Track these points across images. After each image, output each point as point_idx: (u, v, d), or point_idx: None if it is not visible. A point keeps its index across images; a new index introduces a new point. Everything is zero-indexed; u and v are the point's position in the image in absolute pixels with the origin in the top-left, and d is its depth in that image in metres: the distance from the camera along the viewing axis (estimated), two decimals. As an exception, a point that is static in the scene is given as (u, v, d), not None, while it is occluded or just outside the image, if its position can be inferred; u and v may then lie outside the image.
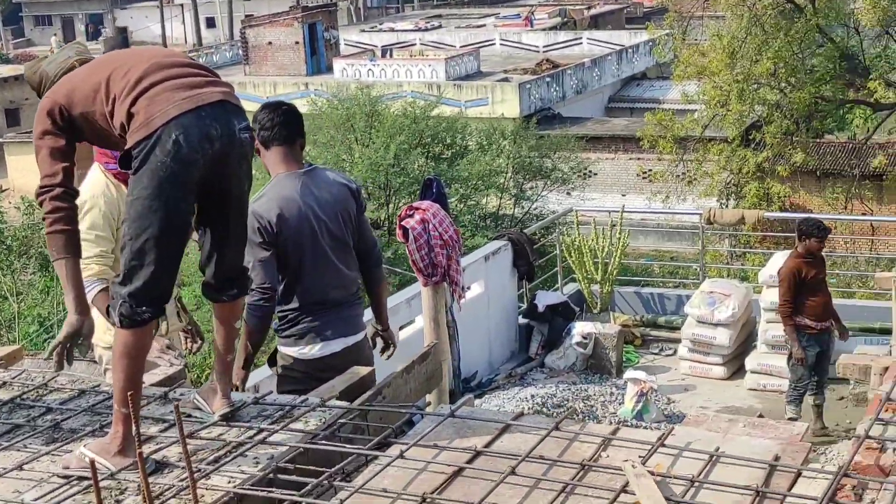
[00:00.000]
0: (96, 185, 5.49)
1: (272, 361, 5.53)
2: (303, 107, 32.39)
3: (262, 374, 7.53)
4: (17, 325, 28.62)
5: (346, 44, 47.45)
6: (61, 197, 4.15)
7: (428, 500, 3.72)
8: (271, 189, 5.32)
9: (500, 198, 29.11)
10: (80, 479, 4.04)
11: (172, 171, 3.97)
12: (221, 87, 4.19)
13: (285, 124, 5.36)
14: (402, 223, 5.92)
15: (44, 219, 4.18)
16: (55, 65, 4.60)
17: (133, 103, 4.03)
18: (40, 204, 4.22)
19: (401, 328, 10.04)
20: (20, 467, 4.17)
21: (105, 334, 5.82)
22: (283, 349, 5.43)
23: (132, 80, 4.07)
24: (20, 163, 43.75)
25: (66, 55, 4.64)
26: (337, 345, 5.38)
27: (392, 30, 52.04)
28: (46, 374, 5.15)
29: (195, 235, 4.36)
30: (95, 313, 5.50)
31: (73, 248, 4.18)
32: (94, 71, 4.24)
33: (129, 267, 4.07)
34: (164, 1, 69.14)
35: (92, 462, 3.14)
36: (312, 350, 5.36)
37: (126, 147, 4.05)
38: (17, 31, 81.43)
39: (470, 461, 3.98)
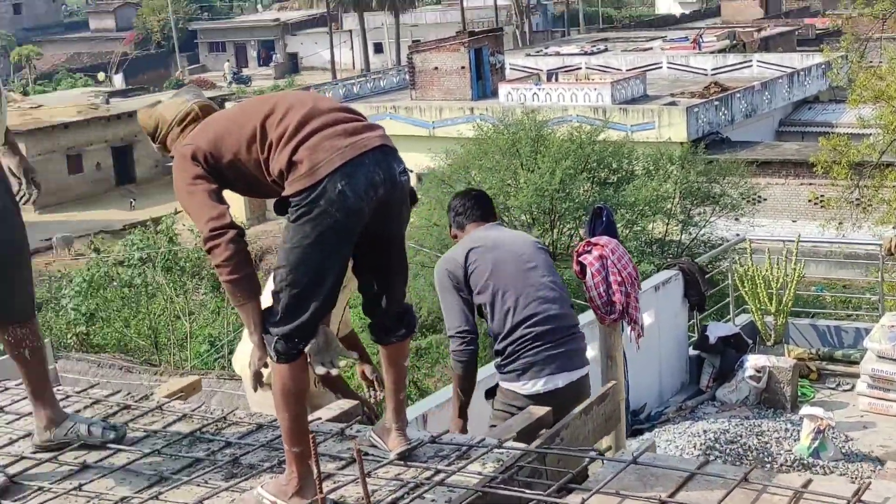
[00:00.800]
0: None
1: (490, 394, 5.52)
2: (468, 131, 32.63)
3: (429, 405, 7.50)
4: (189, 344, 29.39)
5: (511, 68, 47.54)
6: (236, 239, 4.08)
7: (611, 552, 3.60)
8: (462, 241, 5.44)
9: (667, 224, 28.69)
10: (259, 518, 4.04)
11: (337, 221, 3.95)
12: (378, 132, 4.15)
13: (477, 206, 5.64)
14: (579, 259, 5.83)
15: (220, 265, 4.05)
16: (172, 108, 4.53)
17: (294, 151, 3.99)
18: (210, 250, 4.07)
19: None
20: (201, 502, 4.19)
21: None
22: (504, 384, 5.45)
23: (290, 127, 4.05)
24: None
25: (184, 98, 4.56)
26: (560, 380, 5.34)
27: (558, 54, 51.96)
28: (225, 408, 5.18)
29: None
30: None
31: (256, 289, 4.15)
32: (241, 118, 4.20)
33: (286, 311, 4.04)
34: (333, 27, 70.44)
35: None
36: (535, 385, 5.33)
37: (285, 194, 4.03)
38: (192, 58, 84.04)
39: (654, 512, 3.84)
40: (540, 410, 4.92)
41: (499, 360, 5.47)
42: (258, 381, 4.17)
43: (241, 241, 4.08)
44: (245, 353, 5.87)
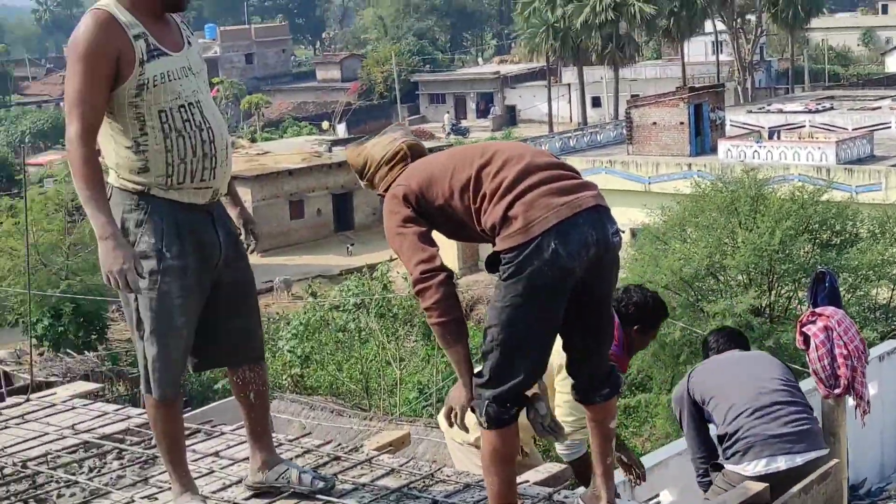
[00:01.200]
0: None
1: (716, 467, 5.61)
2: (685, 188, 32.16)
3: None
4: (398, 391, 29.74)
5: (731, 124, 46.74)
6: (446, 282, 4.09)
7: None
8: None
9: (893, 289, 27.56)
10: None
11: (550, 279, 3.91)
12: (592, 191, 4.10)
13: (730, 342, 5.91)
14: (803, 329, 5.62)
15: (430, 307, 4.06)
16: (380, 147, 4.54)
17: (510, 206, 3.96)
18: (420, 292, 4.09)
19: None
20: (405, 562, 4.16)
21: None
22: (727, 466, 5.42)
23: (507, 181, 4.01)
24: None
25: (392, 137, 4.57)
26: (783, 461, 5.28)
27: (780, 111, 50.82)
28: (433, 462, 5.16)
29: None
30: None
31: (464, 333, 4.15)
32: (456, 164, 4.19)
33: (497, 372, 4.01)
34: (551, 80, 70.79)
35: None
36: (756, 466, 5.28)
37: (497, 249, 3.99)
38: (413, 109, 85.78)
39: None
40: (756, 486, 4.73)
41: (723, 445, 5.49)
42: (461, 422, 4.16)
43: (451, 285, 4.09)
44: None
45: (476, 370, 4.14)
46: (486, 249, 4.07)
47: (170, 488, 4.95)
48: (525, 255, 3.91)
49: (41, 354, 34.67)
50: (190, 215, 4.55)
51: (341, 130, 75.06)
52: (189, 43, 4.61)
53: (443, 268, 4.10)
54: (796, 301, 26.35)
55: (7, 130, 76.73)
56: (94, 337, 35.51)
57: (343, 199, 53.71)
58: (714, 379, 5.68)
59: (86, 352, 32.10)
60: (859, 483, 10.78)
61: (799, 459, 5.29)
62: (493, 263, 4.02)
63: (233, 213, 4.92)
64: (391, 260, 41.14)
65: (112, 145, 4.52)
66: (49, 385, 24.30)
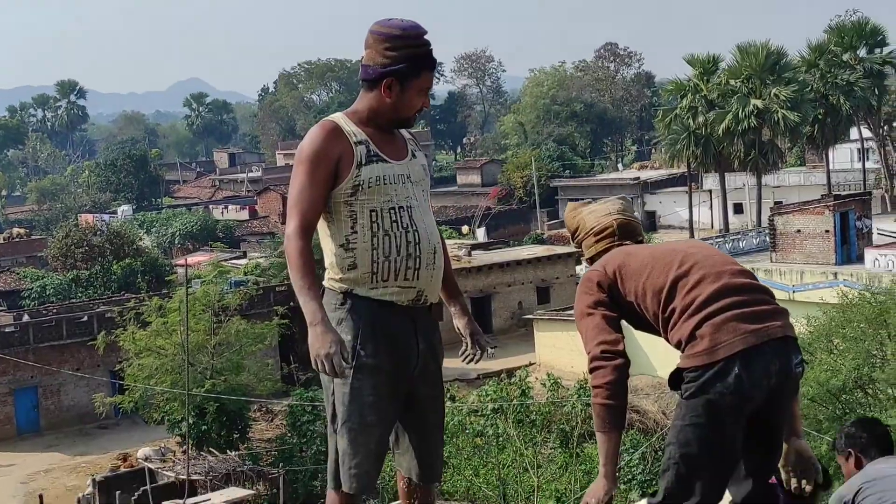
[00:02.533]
0: None
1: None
2: (831, 297, 31.55)
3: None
4: (536, 498, 29.44)
5: (878, 233, 45.83)
6: (622, 368, 4.15)
7: None
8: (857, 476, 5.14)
9: None
10: None
11: (729, 405, 3.94)
12: (782, 320, 4.11)
13: (876, 444, 5.34)
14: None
15: (600, 386, 4.12)
16: (594, 217, 4.62)
17: (698, 326, 3.99)
18: (594, 370, 4.16)
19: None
20: None
21: None
22: None
23: (700, 299, 4.04)
24: (548, 339, 45.57)
25: (608, 210, 4.62)
26: None
27: (930, 219, 49.71)
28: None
29: None
30: None
31: (622, 422, 4.19)
32: (654, 266, 4.23)
33: (671, 490, 4.03)
34: (692, 187, 70.43)
35: None
36: None
37: (680, 365, 4.02)
38: (552, 213, 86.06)
39: None
40: None
41: None
42: None
43: (626, 372, 4.16)
44: None
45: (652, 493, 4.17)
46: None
47: None
48: (708, 377, 3.94)
49: (184, 452, 35.37)
50: (389, 317, 4.68)
51: (481, 235, 75.70)
52: (413, 155, 4.81)
53: (623, 354, 4.15)
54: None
55: (158, 232, 79.11)
56: (236, 436, 36.05)
57: (482, 302, 53.93)
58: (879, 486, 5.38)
59: (228, 451, 32.61)
60: None
61: None
62: (675, 380, 4.05)
63: (460, 322, 5.05)
64: (529, 365, 41.05)
65: (328, 245, 4.73)
66: (192, 483, 24.71)
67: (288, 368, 42.42)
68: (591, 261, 4.56)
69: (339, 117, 4.69)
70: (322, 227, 4.75)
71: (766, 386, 3.98)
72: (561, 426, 31.32)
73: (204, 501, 5.56)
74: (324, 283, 4.76)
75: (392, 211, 4.67)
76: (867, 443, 5.40)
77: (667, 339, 4.18)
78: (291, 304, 38.90)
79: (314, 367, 4.46)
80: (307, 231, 4.62)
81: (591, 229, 4.59)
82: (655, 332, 4.24)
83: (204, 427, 34.50)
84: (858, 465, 5.37)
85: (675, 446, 4.02)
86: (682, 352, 4.04)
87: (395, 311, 4.69)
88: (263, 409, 42.09)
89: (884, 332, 26.30)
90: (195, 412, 33.93)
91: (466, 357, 5.07)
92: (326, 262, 4.77)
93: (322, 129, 4.62)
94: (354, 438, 4.66)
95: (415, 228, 4.72)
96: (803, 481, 4.49)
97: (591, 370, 4.18)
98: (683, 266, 4.18)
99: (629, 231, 4.56)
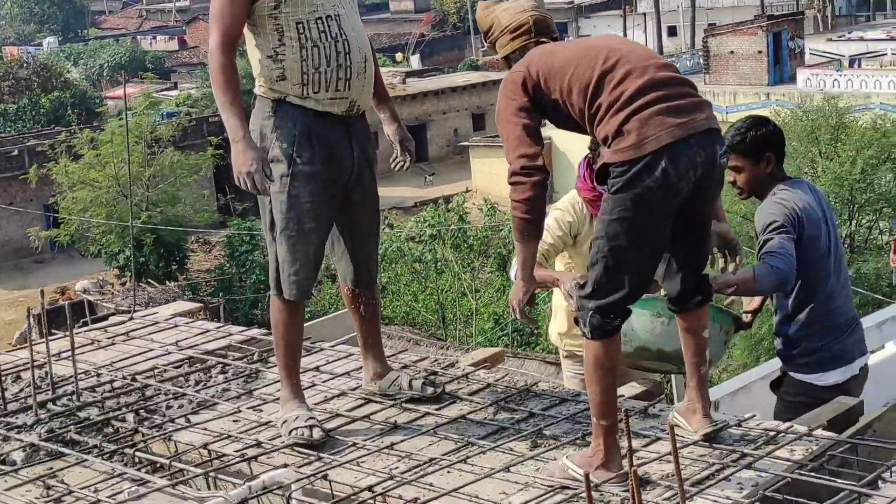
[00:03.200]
0: (573, 196, 5.69)
1: (775, 385, 5.32)
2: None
3: (722, 391, 7.39)
4: (474, 321, 29.95)
5: (811, 53, 46.00)
6: (541, 184, 4.20)
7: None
8: (784, 191, 5.07)
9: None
10: (563, 488, 4.11)
11: (657, 198, 3.99)
12: (706, 112, 4.14)
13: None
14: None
15: (519, 201, 4.19)
16: (508, 14, 4.52)
17: (625, 121, 4.01)
18: (514, 184, 4.21)
19: (872, 352, 9.52)
20: (507, 469, 4.30)
21: (562, 341, 5.94)
22: (796, 375, 5.13)
23: (626, 94, 4.04)
24: (484, 165, 45.69)
25: (522, 7, 4.52)
26: (855, 367, 5.13)
27: (862, 39, 49.84)
28: (529, 380, 5.28)
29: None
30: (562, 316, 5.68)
31: (539, 233, 4.36)
32: (578, 61, 4.18)
33: (600, 282, 4.10)
34: (627, 10, 69.94)
35: (587, 475, 3.18)
36: (833, 376, 5.07)
37: (606, 161, 4.06)
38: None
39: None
40: (850, 401, 4.78)
41: (788, 349, 5.13)
42: (522, 316, 4.42)
43: (545, 187, 4.23)
44: (556, 327, 5.96)
45: (579, 280, 4.27)
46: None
47: (274, 400, 5.13)
48: (635, 171, 3.97)
49: (123, 284, 35.36)
50: (324, 126, 4.73)
51: (415, 62, 74.90)
52: None
53: (543, 169, 4.20)
54: (877, 231, 26.10)
55: (86, 64, 77.54)
56: (174, 267, 36.11)
57: (418, 130, 53.68)
58: (812, 228, 4.98)
59: (167, 282, 32.67)
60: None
61: (864, 360, 5.17)
62: (602, 175, 4.09)
63: (389, 129, 5.08)
64: (466, 191, 41.22)
65: (256, 56, 4.74)
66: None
67: (224, 199, 42.22)
68: (507, 60, 4.52)
69: None
70: (249, 38, 4.76)
71: (692, 178, 4.02)
72: (498, 250, 31.69)
73: (151, 314, 5.56)
74: (254, 90, 4.77)
75: (319, 21, 4.66)
76: (782, 149, 5.15)
77: (592, 135, 4.21)
78: (224, 134, 38.51)
79: (237, 183, 4.52)
80: (230, 47, 4.63)
81: (507, 27, 4.50)
82: (580, 130, 4.26)
83: (142, 259, 34.48)
84: (773, 175, 5.07)
85: (603, 240, 4.08)
86: (609, 147, 4.07)
87: (329, 119, 4.74)
88: (201, 240, 42.09)
89: (815, 149, 26.68)
90: (133, 244, 33.84)
91: (396, 164, 5.12)
92: (255, 72, 4.76)
93: None
94: (293, 246, 4.74)
95: (344, 38, 4.71)
96: (728, 259, 4.61)
97: (512, 184, 4.22)
98: (609, 61, 4.15)
99: (545, 28, 4.50)
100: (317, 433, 4.68)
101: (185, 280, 35.08)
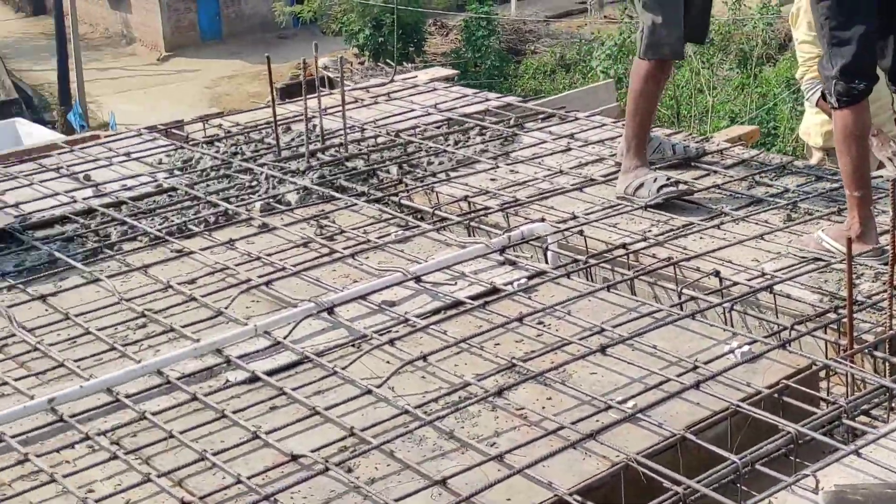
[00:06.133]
0: None
1: None
2: None
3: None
4: (709, 118, 29.42)
5: None
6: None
7: None
8: None
9: None
10: (817, 259, 4.17)
11: None
12: None
13: None
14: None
15: None
16: None
17: None
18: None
19: None
20: (760, 237, 4.38)
21: (819, 136, 5.87)
22: None
23: None
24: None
25: None
26: None
27: None
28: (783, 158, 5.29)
29: None
30: (816, 119, 5.60)
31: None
32: None
33: (831, 47, 4.08)
34: None
35: (849, 243, 3.24)
36: None
37: None
38: None
39: None
40: None
41: None
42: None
43: None
44: (810, 123, 5.92)
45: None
46: None
47: (529, 161, 5.31)
48: None
49: (361, 63, 36.01)
50: None
51: None
52: None
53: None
54: None
55: None
56: (411, 49, 36.49)
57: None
58: None
59: (403, 63, 33.11)
60: None
61: None
62: None
63: None
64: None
65: None
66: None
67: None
68: None
69: None
70: None
71: None
72: (741, 46, 30.80)
73: (411, 77, 5.72)
74: None
75: None
76: None
77: None
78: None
79: None
80: None
81: None
82: None
83: (381, 39, 34.94)
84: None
85: (824, 6, 4.07)
86: None
87: None
88: (438, 23, 42.21)
89: None
90: (372, 25, 34.28)
91: None
92: None
93: None
94: (664, 8, 4.78)
95: None
96: None
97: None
98: None
99: None
100: (681, 186, 4.83)
101: (422, 62, 35.45)
